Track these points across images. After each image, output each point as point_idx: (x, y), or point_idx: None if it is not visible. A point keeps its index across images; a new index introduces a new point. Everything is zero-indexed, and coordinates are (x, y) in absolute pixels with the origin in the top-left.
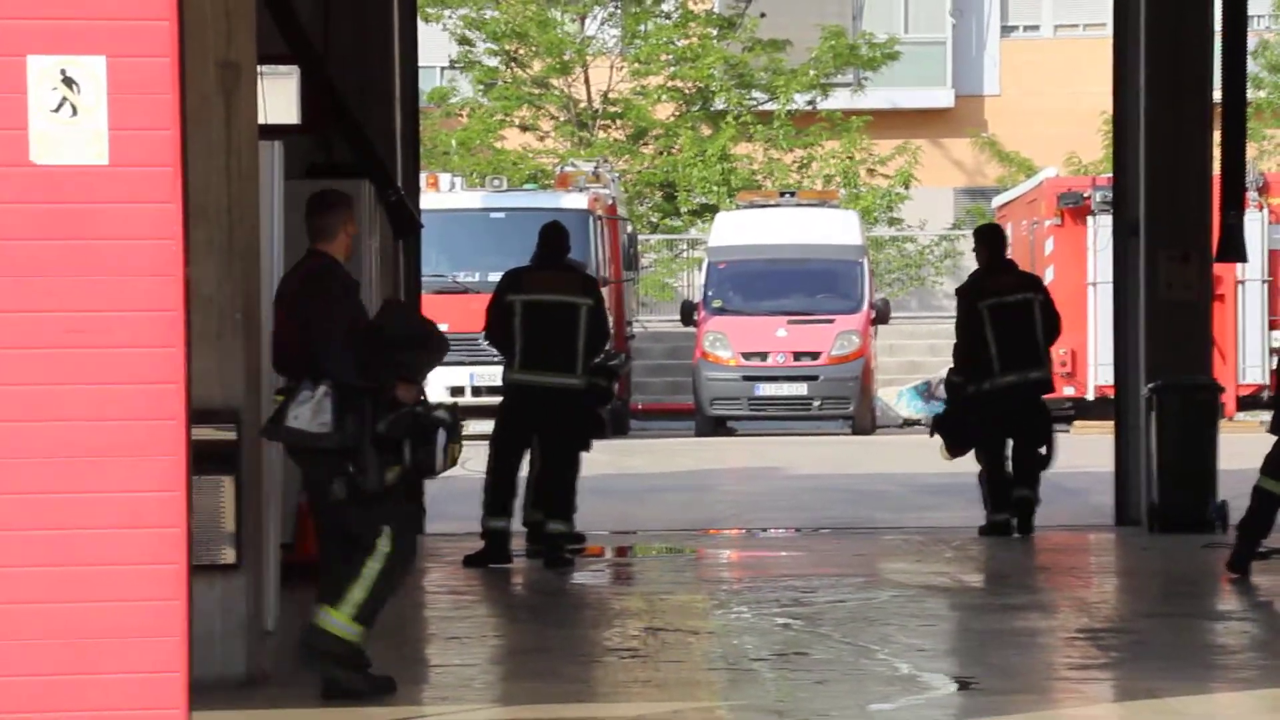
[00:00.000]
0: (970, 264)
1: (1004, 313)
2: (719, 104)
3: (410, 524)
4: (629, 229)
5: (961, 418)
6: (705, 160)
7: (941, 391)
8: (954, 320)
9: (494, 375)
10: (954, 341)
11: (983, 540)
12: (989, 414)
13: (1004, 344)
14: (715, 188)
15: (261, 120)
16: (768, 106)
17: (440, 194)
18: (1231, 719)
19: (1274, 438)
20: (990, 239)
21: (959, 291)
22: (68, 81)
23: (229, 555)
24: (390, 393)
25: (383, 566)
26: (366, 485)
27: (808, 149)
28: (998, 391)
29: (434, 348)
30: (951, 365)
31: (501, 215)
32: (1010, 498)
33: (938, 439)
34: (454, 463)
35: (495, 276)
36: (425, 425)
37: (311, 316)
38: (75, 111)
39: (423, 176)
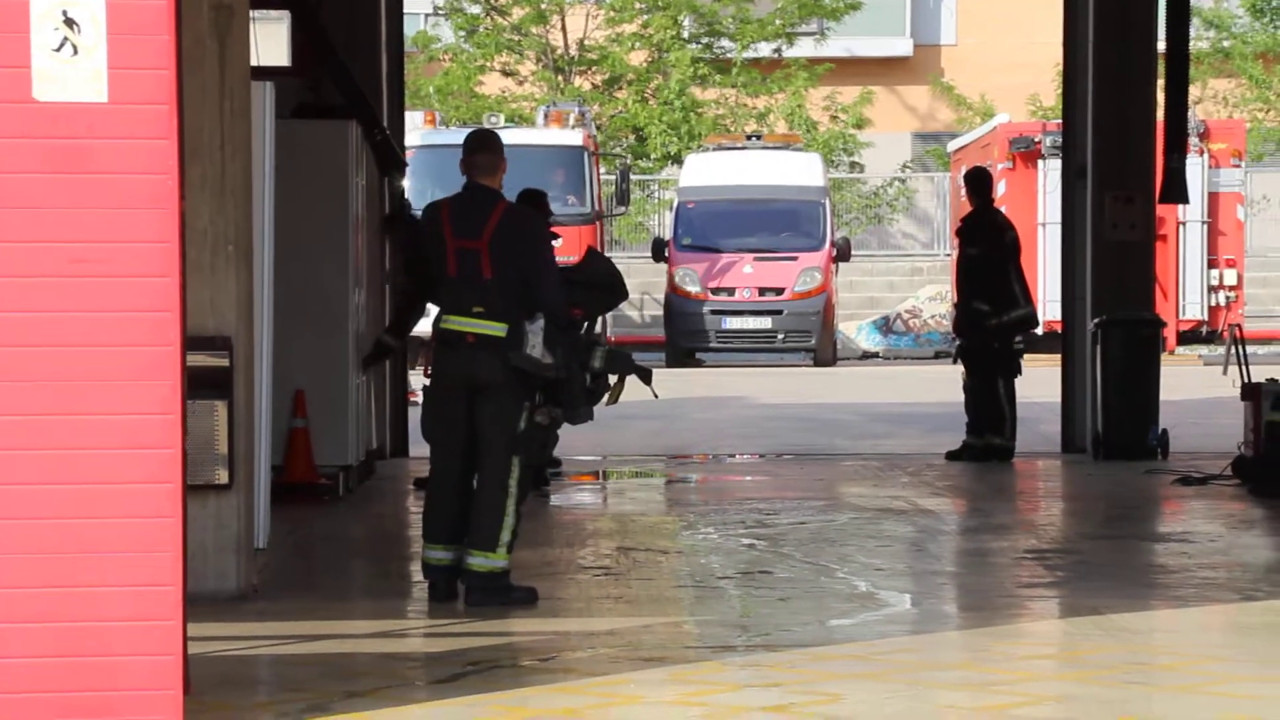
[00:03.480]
0: (925, 203)
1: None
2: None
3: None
4: (623, 164)
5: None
6: (668, 107)
7: (899, 326)
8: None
9: None
10: (992, 275)
11: (936, 466)
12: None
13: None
14: (678, 137)
15: (254, 62)
16: (734, 55)
17: (437, 130)
18: (1169, 633)
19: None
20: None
21: (1008, 227)
22: (69, 22)
23: (222, 476)
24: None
25: (518, 502)
26: (578, 418)
27: (773, 95)
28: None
29: (620, 293)
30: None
31: None
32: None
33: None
34: None
35: None
36: (638, 367)
37: (528, 255)
38: (76, 51)
39: (420, 114)
